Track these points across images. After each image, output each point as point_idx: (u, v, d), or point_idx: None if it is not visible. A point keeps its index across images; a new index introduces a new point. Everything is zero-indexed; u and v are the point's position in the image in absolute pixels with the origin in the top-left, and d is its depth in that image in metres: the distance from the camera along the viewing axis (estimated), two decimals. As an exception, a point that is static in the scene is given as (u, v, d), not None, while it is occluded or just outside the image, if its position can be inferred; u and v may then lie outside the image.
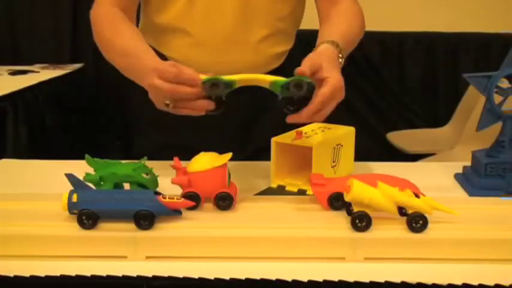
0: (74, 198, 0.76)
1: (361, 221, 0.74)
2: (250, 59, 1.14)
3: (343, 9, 1.10)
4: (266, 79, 0.89)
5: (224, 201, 0.82)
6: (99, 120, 2.89)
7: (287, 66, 1.21)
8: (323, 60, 0.90)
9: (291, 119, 0.88)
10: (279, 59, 1.20)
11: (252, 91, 1.18)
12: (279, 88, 0.87)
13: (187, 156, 0.86)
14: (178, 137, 1.11)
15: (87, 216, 0.75)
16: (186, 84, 0.86)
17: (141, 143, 1.24)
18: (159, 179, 0.87)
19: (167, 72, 0.86)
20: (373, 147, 2.75)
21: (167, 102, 0.87)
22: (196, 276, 0.68)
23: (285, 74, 1.20)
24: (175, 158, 0.85)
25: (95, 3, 1.11)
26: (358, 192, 0.75)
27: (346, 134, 1.02)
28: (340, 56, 0.95)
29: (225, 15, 1.08)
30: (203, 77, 0.86)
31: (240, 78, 0.89)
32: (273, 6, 1.11)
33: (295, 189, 0.94)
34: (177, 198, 0.78)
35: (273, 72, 1.19)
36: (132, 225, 0.75)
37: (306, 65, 0.88)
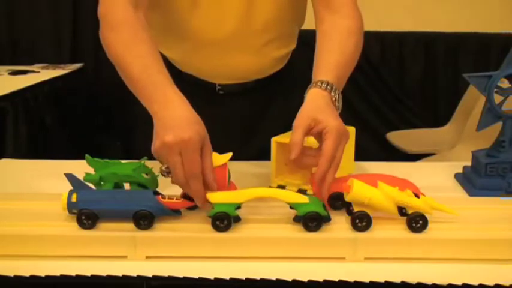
0: (73, 198, 0.76)
1: (361, 221, 0.74)
2: (254, 62, 1.13)
3: (338, 26, 1.01)
4: (282, 198, 0.78)
5: (224, 201, 0.82)
6: (99, 120, 2.89)
7: (289, 69, 1.21)
8: (314, 113, 0.84)
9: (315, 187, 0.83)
10: (282, 61, 1.19)
11: (254, 94, 1.18)
12: (295, 215, 0.77)
13: None
14: None
15: (86, 216, 0.75)
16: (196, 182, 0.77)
17: (144, 145, 1.22)
18: (159, 178, 0.86)
19: (193, 164, 0.76)
20: (373, 147, 2.75)
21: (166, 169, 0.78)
22: (196, 276, 0.68)
23: (286, 76, 1.20)
24: (176, 158, 0.85)
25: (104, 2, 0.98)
26: (358, 192, 0.75)
27: (346, 134, 1.02)
28: (333, 95, 0.89)
29: (229, 19, 1.07)
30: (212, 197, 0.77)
31: (252, 196, 0.78)
32: (277, 8, 1.09)
33: (295, 189, 0.94)
34: (176, 199, 0.78)
35: (275, 75, 1.18)
36: (131, 225, 0.75)
37: (300, 133, 0.82)
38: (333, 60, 0.95)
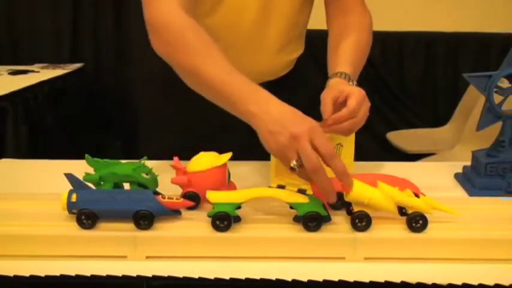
0: (73, 198, 0.76)
1: (361, 221, 0.74)
2: (269, 65, 1.13)
3: (351, 24, 1.08)
4: (282, 198, 0.78)
5: (224, 201, 0.81)
6: (99, 120, 2.89)
7: (294, 70, 1.21)
8: (339, 86, 0.93)
9: (324, 128, 0.88)
10: (292, 63, 1.20)
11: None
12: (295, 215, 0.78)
13: None
14: (189, 140, 1.10)
15: (86, 216, 0.75)
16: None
17: (150, 147, 1.21)
18: (159, 178, 0.86)
19: (329, 145, 0.75)
20: (373, 147, 2.75)
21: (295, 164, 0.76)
22: (196, 276, 0.68)
23: (292, 78, 1.19)
24: (175, 158, 0.85)
25: (153, 4, 0.94)
26: (358, 192, 0.75)
27: (346, 133, 1.02)
28: (351, 84, 0.97)
29: (246, 22, 1.06)
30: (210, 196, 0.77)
31: (252, 196, 0.77)
32: (292, 12, 1.09)
33: (295, 189, 0.94)
34: (176, 198, 0.78)
35: (281, 79, 1.18)
36: (131, 225, 0.75)
37: (329, 105, 0.89)
38: (348, 54, 1.03)
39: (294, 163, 0.75)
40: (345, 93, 0.91)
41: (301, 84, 1.21)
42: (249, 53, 1.09)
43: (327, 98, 0.91)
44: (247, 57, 1.08)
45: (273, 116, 0.78)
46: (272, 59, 1.13)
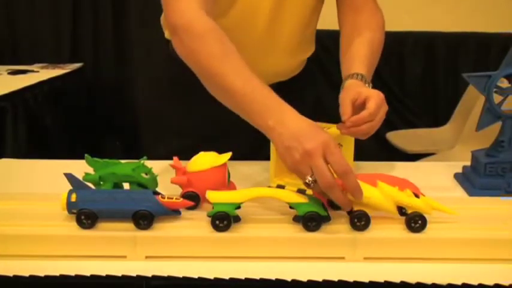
0: (73, 197, 0.76)
1: (359, 220, 0.74)
2: (282, 65, 1.13)
3: (363, 24, 1.07)
4: (282, 198, 0.78)
5: (224, 201, 0.81)
6: (98, 120, 2.89)
7: (302, 74, 1.21)
8: (357, 88, 0.93)
9: (342, 129, 0.90)
10: (302, 65, 1.19)
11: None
12: (295, 215, 0.78)
13: None
14: (194, 141, 1.09)
15: (86, 215, 0.75)
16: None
17: (154, 148, 1.20)
18: (158, 178, 0.86)
19: (343, 161, 0.74)
20: (373, 147, 2.74)
21: (310, 179, 0.75)
22: (196, 276, 0.68)
23: (300, 78, 1.19)
24: (175, 158, 0.85)
25: (174, 4, 0.92)
26: (358, 192, 0.74)
27: (345, 133, 1.02)
28: (367, 86, 0.97)
29: (260, 22, 1.06)
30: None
31: (252, 196, 0.77)
32: (305, 11, 1.09)
33: (295, 189, 0.94)
34: (176, 198, 0.78)
35: (291, 80, 1.18)
36: (131, 225, 0.75)
37: (348, 107, 0.90)
38: (362, 54, 1.02)
39: (308, 179, 0.75)
40: (363, 95, 0.91)
41: (307, 85, 1.21)
42: (263, 53, 1.09)
43: (345, 100, 0.91)
44: (261, 58, 1.07)
45: (289, 130, 0.77)
46: (285, 60, 1.13)
